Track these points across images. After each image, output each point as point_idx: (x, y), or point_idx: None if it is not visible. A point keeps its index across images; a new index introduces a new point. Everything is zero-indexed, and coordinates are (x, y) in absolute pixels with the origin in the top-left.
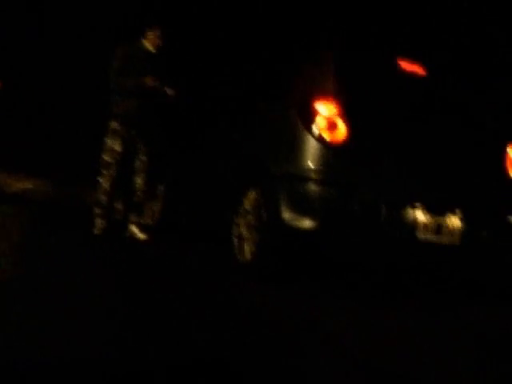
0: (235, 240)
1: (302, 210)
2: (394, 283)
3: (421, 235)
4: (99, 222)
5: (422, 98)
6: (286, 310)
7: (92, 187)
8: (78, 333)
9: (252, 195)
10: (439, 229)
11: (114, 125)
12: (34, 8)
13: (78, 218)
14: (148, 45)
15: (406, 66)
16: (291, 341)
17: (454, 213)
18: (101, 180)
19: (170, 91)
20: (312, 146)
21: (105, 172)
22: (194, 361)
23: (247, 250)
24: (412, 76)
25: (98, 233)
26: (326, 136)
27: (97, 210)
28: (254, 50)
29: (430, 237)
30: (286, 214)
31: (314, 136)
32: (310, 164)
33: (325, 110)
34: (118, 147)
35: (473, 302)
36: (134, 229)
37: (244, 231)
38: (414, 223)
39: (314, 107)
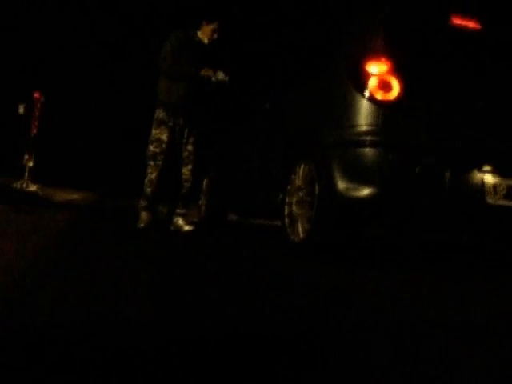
0: (287, 220)
1: (357, 178)
2: (459, 252)
3: (490, 200)
4: (144, 215)
5: (481, 54)
6: (344, 284)
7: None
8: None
9: (303, 170)
10: (510, 192)
11: (161, 114)
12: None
13: (123, 219)
14: (202, 36)
15: (460, 21)
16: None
17: None
18: (147, 171)
19: (221, 76)
20: (365, 107)
21: (151, 163)
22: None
23: (300, 228)
24: (467, 31)
25: (143, 226)
26: (379, 95)
27: (142, 203)
28: (299, 21)
29: (501, 201)
30: (341, 184)
31: (366, 96)
32: (364, 127)
33: (376, 70)
34: (164, 137)
35: None
36: (180, 221)
37: (296, 209)
38: (483, 188)
39: (364, 67)
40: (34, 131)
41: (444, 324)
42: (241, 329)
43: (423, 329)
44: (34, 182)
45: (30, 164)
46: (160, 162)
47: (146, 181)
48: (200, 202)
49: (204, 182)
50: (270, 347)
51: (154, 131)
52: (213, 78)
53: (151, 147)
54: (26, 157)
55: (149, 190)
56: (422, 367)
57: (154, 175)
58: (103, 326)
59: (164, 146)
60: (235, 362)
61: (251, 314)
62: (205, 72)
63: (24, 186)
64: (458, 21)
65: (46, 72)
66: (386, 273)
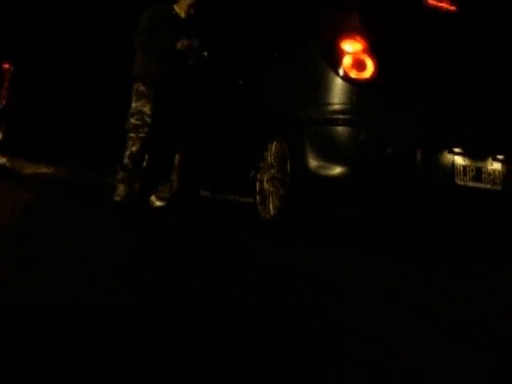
0: (258, 197)
1: (329, 156)
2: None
3: (459, 181)
4: (121, 189)
5: (456, 35)
6: (318, 266)
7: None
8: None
9: (275, 147)
10: (479, 174)
11: (141, 87)
12: None
13: (96, 193)
14: (179, 10)
15: (435, 1)
16: (334, 295)
17: (495, 157)
18: (128, 143)
19: (196, 43)
20: (338, 85)
21: (133, 135)
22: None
23: (271, 205)
24: (442, 12)
25: (119, 199)
26: (353, 74)
27: (120, 175)
28: None
29: (470, 182)
30: (313, 162)
31: (340, 75)
32: (338, 105)
33: (351, 48)
34: (146, 109)
35: None
36: (152, 197)
37: (267, 186)
38: (452, 168)
39: (339, 45)
40: (3, 102)
41: (435, 319)
42: (219, 315)
43: (415, 323)
44: (2, 155)
45: None
46: (143, 135)
47: (127, 153)
48: (172, 178)
49: (176, 158)
50: (253, 335)
51: (134, 104)
52: (195, 44)
53: (132, 120)
54: None
55: (128, 161)
56: (414, 362)
57: (134, 148)
58: (81, 311)
59: (147, 118)
60: (220, 351)
61: (226, 298)
62: (180, 45)
63: None
64: (432, 1)
65: (16, 42)
66: (358, 254)
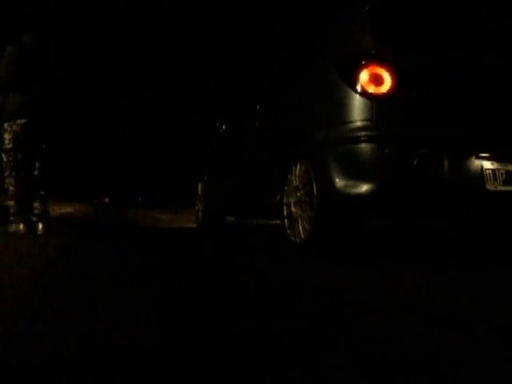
0: (287, 221)
1: (355, 174)
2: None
3: (490, 186)
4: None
5: (475, 37)
6: (349, 283)
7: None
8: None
9: (299, 169)
10: (510, 177)
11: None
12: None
13: (119, 231)
14: None
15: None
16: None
17: None
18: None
19: None
20: (358, 101)
21: None
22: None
23: (301, 228)
24: (460, 17)
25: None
26: (371, 89)
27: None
28: (285, 20)
29: (501, 187)
30: (339, 182)
31: (358, 91)
32: (358, 122)
33: (366, 63)
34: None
35: None
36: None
37: (295, 210)
38: (482, 174)
39: (354, 62)
40: None
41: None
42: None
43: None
44: None
45: None
46: None
47: None
48: (196, 208)
49: (199, 187)
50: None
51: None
52: None
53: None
54: None
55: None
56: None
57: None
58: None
59: None
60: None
61: (260, 322)
62: None
63: None
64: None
65: None
66: (395, 271)
